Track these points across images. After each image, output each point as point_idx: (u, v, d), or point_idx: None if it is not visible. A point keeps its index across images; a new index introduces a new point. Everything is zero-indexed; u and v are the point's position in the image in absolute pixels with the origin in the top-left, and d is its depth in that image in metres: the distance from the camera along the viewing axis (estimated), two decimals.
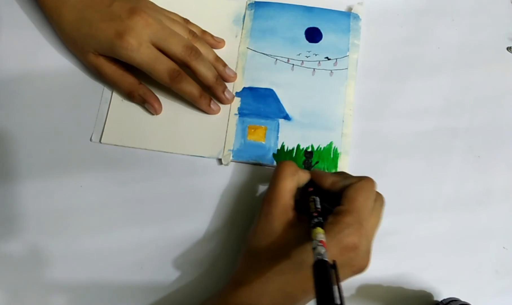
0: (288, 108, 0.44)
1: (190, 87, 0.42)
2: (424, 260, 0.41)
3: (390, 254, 0.41)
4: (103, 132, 0.43)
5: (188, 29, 0.44)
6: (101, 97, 0.45)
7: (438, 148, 0.45)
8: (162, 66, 0.41)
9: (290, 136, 0.44)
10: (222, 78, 0.45)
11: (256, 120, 0.44)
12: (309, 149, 0.43)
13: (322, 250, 0.29)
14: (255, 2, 0.48)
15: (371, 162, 0.44)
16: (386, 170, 0.44)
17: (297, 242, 0.33)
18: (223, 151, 0.43)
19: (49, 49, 0.46)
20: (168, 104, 0.44)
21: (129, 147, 0.43)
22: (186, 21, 0.46)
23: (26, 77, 0.45)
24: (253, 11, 0.48)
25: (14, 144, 0.43)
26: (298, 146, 0.43)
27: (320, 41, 0.47)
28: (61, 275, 0.40)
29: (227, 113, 0.44)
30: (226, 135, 0.44)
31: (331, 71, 0.46)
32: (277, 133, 0.44)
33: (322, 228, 0.32)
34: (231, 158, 0.43)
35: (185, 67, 0.42)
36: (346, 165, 0.43)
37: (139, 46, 0.40)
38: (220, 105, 0.44)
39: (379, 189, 0.37)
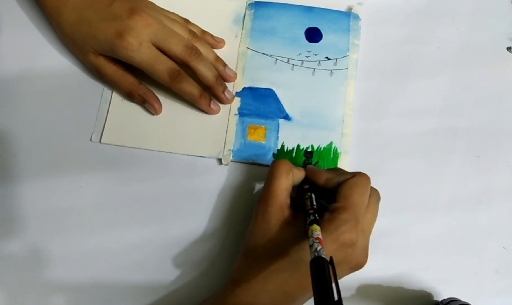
0: (288, 108, 0.44)
1: (190, 87, 0.42)
2: (424, 260, 0.41)
3: (390, 254, 0.41)
4: (103, 132, 0.43)
5: (188, 29, 0.44)
6: (101, 97, 0.45)
7: (438, 148, 0.45)
8: (162, 66, 0.41)
9: (290, 136, 0.44)
10: (222, 78, 0.45)
11: (256, 120, 0.44)
12: (309, 150, 0.43)
13: (319, 247, 0.29)
14: (255, 2, 0.48)
15: (371, 162, 0.44)
16: (386, 169, 0.44)
17: (294, 240, 0.33)
18: (223, 151, 0.43)
19: (49, 49, 0.46)
20: (168, 104, 0.44)
21: (129, 147, 0.43)
22: (186, 21, 0.46)
23: (26, 77, 0.45)
24: (253, 11, 0.48)
25: (14, 144, 0.43)
26: (298, 146, 0.43)
27: (320, 41, 0.47)
28: (61, 275, 0.40)
29: (227, 113, 0.44)
30: (226, 135, 0.44)
31: (331, 71, 0.46)
32: (277, 133, 0.44)
33: (319, 225, 0.32)
34: (231, 157, 0.43)
35: (185, 67, 0.42)
36: (346, 165, 0.43)
37: (139, 46, 0.40)
38: (220, 105, 0.44)
39: (379, 188, 0.37)
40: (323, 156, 0.43)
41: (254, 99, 0.45)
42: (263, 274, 0.33)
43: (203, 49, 0.43)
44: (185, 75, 0.42)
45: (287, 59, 0.46)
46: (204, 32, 0.47)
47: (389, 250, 0.41)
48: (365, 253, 0.34)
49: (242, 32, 0.47)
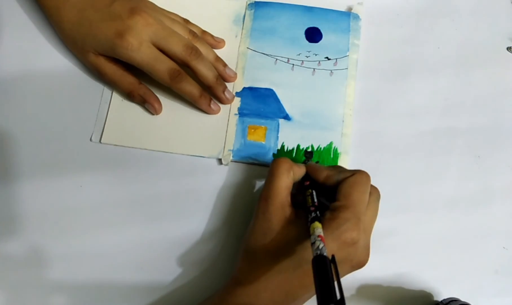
0: (288, 108, 0.44)
1: (190, 87, 0.42)
2: (424, 260, 0.41)
3: (390, 254, 0.41)
4: (103, 132, 0.43)
5: (188, 29, 0.44)
6: (101, 97, 0.45)
7: (438, 148, 0.45)
8: (162, 66, 0.41)
9: (290, 136, 0.44)
10: (222, 78, 0.45)
11: (256, 120, 0.44)
12: (309, 150, 0.43)
13: (321, 245, 0.29)
14: (255, 2, 0.48)
15: (371, 161, 0.44)
16: (386, 170, 0.44)
17: (295, 239, 0.33)
18: (223, 151, 0.43)
19: (49, 49, 0.46)
20: (168, 104, 0.44)
21: (129, 147, 0.43)
22: (186, 21, 0.46)
23: (26, 77, 0.45)
24: (253, 11, 0.48)
25: (14, 144, 0.43)
26: (298, 146, 0.43)
27: (320, 41, 0.47)
28: (61, 275, 0.40)
29: (227, 113, 0.44)
30: (226, 135, 0.44)
31: (331, 71, 0.46)
32: (277, 133, 0.44)
33: (320, 222, 0.32)
34: (231, 157, 0.43)
35: (185, 67, 0.42)
36: (346, 165, 0.43)
37: (140, 46, 0.40)
38: (220, 105, 0.44)
39: (379, 188, 0.37)
40: (323, 156, 0.43)
41: (254, 99, 0.45)
42: (264, 273, 0.33)
43: (203, 49, 0.43)
44: (185, 75, 0.42)
45: (287, 59, 0.46)
46: (204, 32, 0.47)
47: (389, 250, 0.41)
48: (367, 252, 0.34)
49: (242, 32, 0.47)
